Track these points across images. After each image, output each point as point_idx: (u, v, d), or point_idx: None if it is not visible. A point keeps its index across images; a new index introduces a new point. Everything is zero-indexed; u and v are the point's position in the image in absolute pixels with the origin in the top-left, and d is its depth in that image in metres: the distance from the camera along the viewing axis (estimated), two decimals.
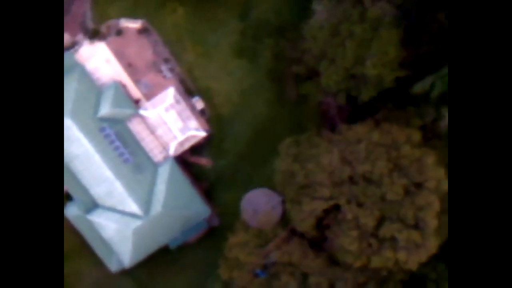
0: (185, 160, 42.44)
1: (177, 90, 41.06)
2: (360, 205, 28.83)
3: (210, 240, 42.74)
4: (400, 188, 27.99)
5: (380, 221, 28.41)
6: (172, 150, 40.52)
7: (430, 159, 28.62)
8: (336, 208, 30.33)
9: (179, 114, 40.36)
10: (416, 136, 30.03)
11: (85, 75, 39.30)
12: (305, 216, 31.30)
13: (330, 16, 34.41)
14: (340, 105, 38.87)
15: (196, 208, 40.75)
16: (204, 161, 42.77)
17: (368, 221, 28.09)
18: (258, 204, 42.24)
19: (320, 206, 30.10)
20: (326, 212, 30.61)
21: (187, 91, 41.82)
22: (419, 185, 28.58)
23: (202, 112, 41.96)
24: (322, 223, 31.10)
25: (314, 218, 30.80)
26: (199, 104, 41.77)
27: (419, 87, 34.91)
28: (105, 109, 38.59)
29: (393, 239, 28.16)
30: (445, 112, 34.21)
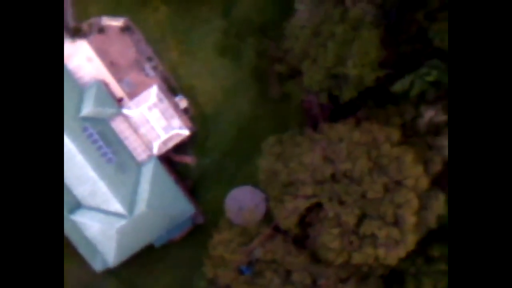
0: (169, 159, 42.53)
1: (160, 88, 40.99)
2: (341, 203, 29.45)
3: (195, 237, 42.99)
4: (380, 187, 28.68)
5: (361, 219, 29.09)
6: (156, 149, 40.54)
7: (409, 157, 29.36)
8: (318, 206, 30.89)
9: (163, 112, 40.32)
10: (396, 135, 30.72)
11: (67, 74, 38.96)
12: (288, 214, 31.80)
13: (312, 16, 34.75)
14: (323, 103, 39.43)
15: (180, 206, 40.91)
16: (188, 159, 42.87)
17: (349, 219, 28.75)
18: (242, 201, 42.64)
19: (302, 204, 30.62)
20: (309, 210, 31.15)
21: (170, 89, 41.79)
22: (398, 183, 29.30)
23: (185, 111, 41.98)
24: (304, 221, 31.64)
25: (297, 216, 31.33)
26: (183, 102, 41.77)
27: (398, 86, 35.56)
28: (88, 109, 38.33)
29: (373, 236, 28.90)
30: (424, 110, 35.01)
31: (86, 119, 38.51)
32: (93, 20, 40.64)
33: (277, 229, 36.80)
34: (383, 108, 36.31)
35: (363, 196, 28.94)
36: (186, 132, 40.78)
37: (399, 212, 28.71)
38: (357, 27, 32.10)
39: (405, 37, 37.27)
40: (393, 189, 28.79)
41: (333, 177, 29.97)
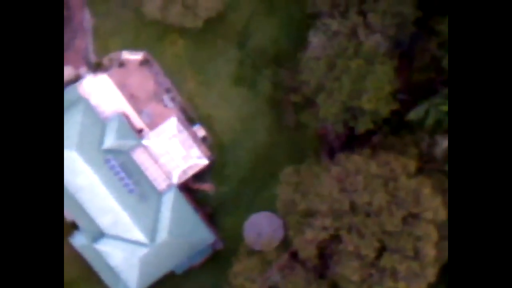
0: (188, 187, 43.56)
1: (179, 118, 42.16)
2: (360, 235, 29.95)
3: (214, 263, 43.77)
4: (398, 220, 29.18)
5: (381, 252, 29.60)
6: (176, 179, 41.61)
7: (426, 189, 29.83)
8: (337, 237, 31.47)
9: (182, 143, 41.41)
10: (412, 166, 31.23)
11: (90, 108, 40.33)
12: (307, 245, 32.40)
13: (326, 48, 35.70)
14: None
15: (200, 234, 41.79)
16: (206, 187, 43.84)
17: (369, 252, 29.24)
18: (260, 227, 43.40)
19: (321, 235, 31.22)
20: (328, 241, 31.73)
21: (189, 119, 42.94)
22: (416, 216, 29.80)
23: (203, 139, 43.06)
24: (324, 252, 32.21)
25: (316, 246, 31.92)
26: (201, 131, 42.87)
27: (413, 115, 36.20)
28: (110, 141, 39.60)
29: (393, 269, 29.32)
30: (440, 139, 35.49)
31: (108, 151, 39.80)
32: (113, 55, 42.11)
33: (295, 255, 37.47)
34: (398, 136, 36.89)
35: (382, 229, 29.45)
36: (205, 162, 41.80)
37: (419, 245, 29.15)
38: (371, 60, 32.90)
39: (418, 66, 38.02)
40: (411, 222, 29.29)
41: (352, 209, 30.58)
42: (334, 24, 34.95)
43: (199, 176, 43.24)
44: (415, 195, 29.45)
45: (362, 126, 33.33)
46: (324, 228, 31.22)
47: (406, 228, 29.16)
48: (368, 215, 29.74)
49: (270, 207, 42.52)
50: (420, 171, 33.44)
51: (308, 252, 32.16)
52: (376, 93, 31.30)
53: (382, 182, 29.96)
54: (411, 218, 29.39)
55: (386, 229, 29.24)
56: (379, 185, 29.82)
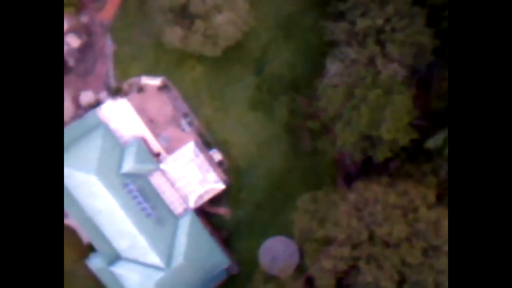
0: (204, 210, 43.75)
1: (196, 143, 42.60)
2: (380, 266, 29.76)
3: (229, 287, 43.71)
4: (418, 252, 28.98)
5: (400, 284, 29.35)
6: (192, 203, 41.86)
7: (446, 221, 29.67)
8: (356, 267, 31.29)
9: (199, 167, 41.77)
10: (432, 196, 31.10)
11: (109, 133, 40.98)
12: (324, 274, 32.25)
13: (344, 76, 36.00)
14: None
15: (216, 258, 41.81)
16: (222, 211, 43.99)
17: (388, 284, 29.01)
18: (276, 252, 43.30)
19: (339, 266, 31.08)
20: (346, 271, 31.55)
21: (205, 143, 43.36)
22: (437, 248, 29.57)
23: (220, 164, 43.39)
24: (342, 283, 32.01)
25: (334, 276, 31.74)
26: (217, 156, 43.23)
27: (431, 143, 36.11)
28: (129, 165, 40.13)
29: None
30: None
31: (126, 175, 40.30)
32: (133, 80, 42.93)
33: (311, 281, 37.24)
34: (416, 164, 36.75)
35: (402, 261, 29.26)
36: (221, 186, 42.03)
37: (440, 278, 28.82)
38: (389, 89, 33.07)
39: (436, 93, 38.09)
40: (432, 255, 29.04)
41: (370, 239, 30.43)
42: (352, 53, 35.30)
43: (215, 199, 43.48)
44: (435, 227, 29.27)
45: (381, 155, 33.36)
46: (342, 258, 31.07)
47: (426, 261, 28.91)
48: (387, 245, 29.58)
49: (285, 232, 42.53)
50: (439, 198, 33.25)
51: (326, 281, 32.01)
52: (395, 124, 31.39)
53: (402, 212, 29.86)
54: (431, 250, 29.17)
55: (406, 261, 29.03)
56: (398, 216, 29.72)
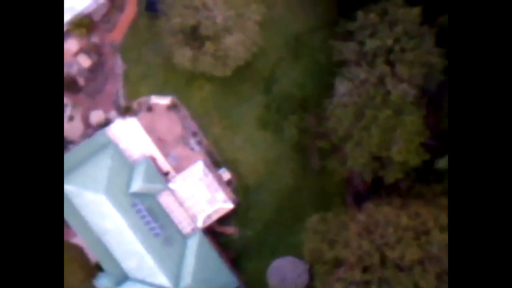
0: (212, 229, 43.44)
1: (205, 162, 42.51)
2: None
3: None
4: (432, 277, 28.47)
5: None
6: (201, 223, 41.60)
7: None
8: None
9: (208, 186, 41.57)
10: (444, 218, 30.64)
11: (118, 152, 41.03)
12: None
13: (353, 96, 35.91)
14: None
15: (224, 279, 41.32)
16: (230, 230, 43.64)
17: None
18: (285, 272, 42.72)
19: None
20: None
21: (214, 162, 43.26)
22: None
23: (228, 183, 43.21)
24: None
25: None
26: (226, 175, 43.07)
27: (442, 163, 35.75)
28: (137, 185, 40.00)
29: None
30: None
31: (135, 195, 40.18)
32: (142, 99, 43.15)
33: None
34: (427, 184, 36.33)
35: (415, 285, 28.74)
36: (230, 206, 41.78)
37: None
38: (400, 110, 32.90)
39: (446, 113, 37.83)
40: (446, 280, 28.44)
41: (382, 263, 29.97)
42: (362, 73, 35.27)
43: (223, 219, 43.17)
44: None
45: (391, 176, 33.07)
46: (353, 281, 30.57)
47: (440, 285, 28.33)
48: (400, 269, 29.08)
49: (294, 252, 42.03)
50: None
51: None
52: (406, 145, 31.16)
53: (414, 235, 29.43)
54: (445, 275, 28.59)
55: (419, 285, 28.50)
56: (410, 239, 29.29)
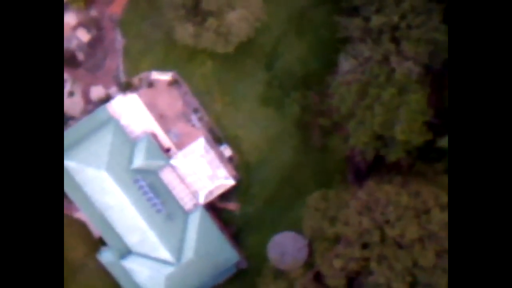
0: (214, 205, 43.83)
1: (206, 138, 42.42)
2: (391, 268, 29.76)
3: (238, 282, 43.92)
4: (431, 254, 28.91)
5: (412, 286, 29.34)
6: (202, 199, 41.90)
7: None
8: (367, 268, 31.32)
9: (209, 163, 41.61)
10: (444, 197, 30.86)
11: (120, 128, 40.80)
12: (335, 273, 32.34)
13: (357, 74, 35.48)
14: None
15: (225, 254, 42.01)
16: (232, 206, 44.04)
17: (400, 286, 29.04)
18: (285, 247, 43.43)
19: (350, 266, 31.13)
20: (358, 271, 31.61)
21: (216, 139, 43.16)
22: None
23: (230, 159, 43.28)
24: (353, 283, 32.10)
25: (345, 276, 31.82)
26: (227, 151, 43.07)
27: (444, 142, 35.73)
28: (139, 161, 40.04)
29: None
30: None
31: (137, 171, 40.28)
32: (143, 75, 42.56)
33: (319, 277, 37.38)
34: (428, 163, 36.42)
35: (414, 263, 29.25)
36: (231, 182, 41.98)
37: None
38: (404, 88, 32.58)
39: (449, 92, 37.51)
40: (445, 257, 28.96)
41: (382, 240, 30.40)
42: (366, 50, 34.72)
43: (225, 195, 43.42)
44: (448, 230, 29.14)
45: (394, 155, 33.09)
46: (353, 258, 31.10)
47: (439, 263, 28.85)
48: (399, 247, 29.53)
49: (294, 227, 42.52)
50: None
51: (337, 281, 32.11)
52: (410, 125, 31.03)
53: (414, 214, 29.73)
54: (445, 253, 29.08)
55: (418, 263, 29.00)
56: (411, 217, 29.61)
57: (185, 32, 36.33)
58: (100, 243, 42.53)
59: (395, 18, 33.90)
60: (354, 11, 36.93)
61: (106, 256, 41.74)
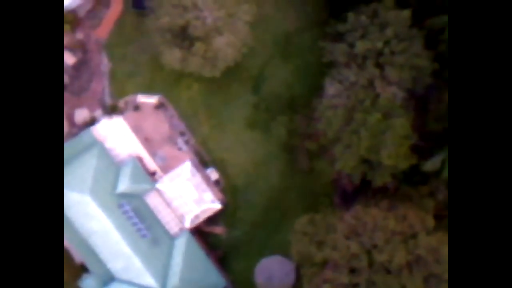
0: (200, 229, 43.24)
1: (192, 162, 42.13)
2: None
3: None
4: (419, 281, 28.95)
5: None
6: (188, 223, 41.33)
7: (445, 248, 29.69)
8: None
9: (195, 186, 41.23)
10: (430, 222, 31.14)
11: (104, 152, 40.30)
12: None
13: (342, 98, 35.92)
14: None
15: (212, 279, 41.27)
16: (218, 230, 43.51)
17: None
18: (272, 271, 42.93)
19: None
20: None
21: (202, 162, 42.91)
22: (437, 276, 29.54)
23: (216, 183, 42.96)
24: None
25: None
26: (214, 175, 42.78)
27: (429, 166, 36.09)
28: (124, 185, 39.46)
29: None
30: None
31: (122, 195, 39.62)
32: (129, 98, 42.34)
33: None
34: (414, 186, 36.73)
35: None
36: (218, 206, 41.58)
37: None
38: (388, 114, 33.07)
39: (433, 115, 38.23)
40: (433, 283, 28.99)
41: (370, 265, 30.31)
42: (351, 75, 35.27)
43: (211, 219, 42.93)
44: (435, 254, 29.28)
45: (380, 179, 33.34)
46: (341, 284, 30.86)
47: None
48: (388, 272, 29.46)
49: (282, 251, 42.20)
50: (438, 218, 33.03)
51: None
52: (396, 149, 31.40)
53: (401, 238, 29.81)
54: (432, 278, 29.14)
55: None
56: (398, 242, 29.66)
57: (172, 56, 36.42)
58: (82, 269, 41.47)
59: (379, 44, 34.66)
60: (339, 37, 37.62)
61: (88, 284, 40.46)
